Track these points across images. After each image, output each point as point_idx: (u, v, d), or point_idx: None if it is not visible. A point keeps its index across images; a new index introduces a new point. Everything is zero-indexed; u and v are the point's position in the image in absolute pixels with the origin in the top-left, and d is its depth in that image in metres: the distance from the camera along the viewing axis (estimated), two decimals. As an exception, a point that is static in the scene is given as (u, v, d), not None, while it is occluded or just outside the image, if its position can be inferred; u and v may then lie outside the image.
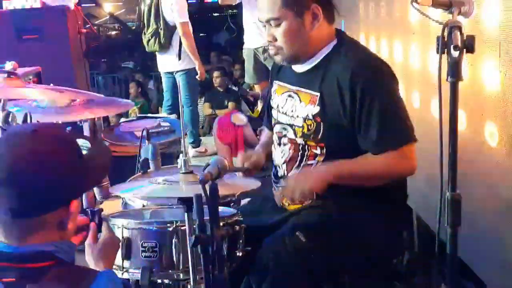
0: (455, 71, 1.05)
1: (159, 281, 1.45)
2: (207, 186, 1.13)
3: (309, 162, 1.51)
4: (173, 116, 2.43)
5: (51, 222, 1.01)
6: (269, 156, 1.67)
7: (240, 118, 3.51)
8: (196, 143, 4.15)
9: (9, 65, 1.49)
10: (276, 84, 1.64)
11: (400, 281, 1.59)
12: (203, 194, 1.17)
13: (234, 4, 3.98)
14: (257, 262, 1.44)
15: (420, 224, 2.26)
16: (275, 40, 1.46)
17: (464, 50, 1.04)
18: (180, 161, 1.39)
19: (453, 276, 1.25)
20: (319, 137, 1.49)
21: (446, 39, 1.04)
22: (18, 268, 0.99)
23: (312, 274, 1.41)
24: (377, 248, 1.50)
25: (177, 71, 3.90)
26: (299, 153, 1.52)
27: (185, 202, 1.31)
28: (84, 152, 1.06)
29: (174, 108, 3.97)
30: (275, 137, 1.63)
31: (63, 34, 3.11)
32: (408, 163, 1.46)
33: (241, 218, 1.44)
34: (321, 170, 1.48)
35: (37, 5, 3.08)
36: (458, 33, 1.03)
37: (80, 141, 1.08)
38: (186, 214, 1.33)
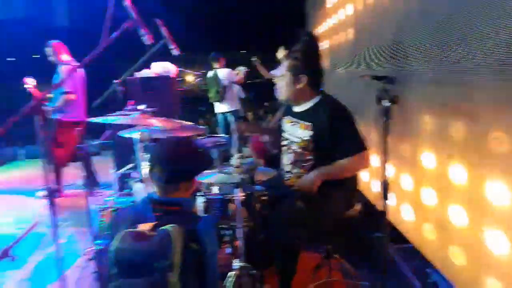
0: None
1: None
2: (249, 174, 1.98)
3: (303, 164, 2.22)
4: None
5: (183, 187, 1.56)
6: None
7: (263, 138, 4.91)
8: (240, 150, 5.69)
9: (141, 107, 2.27)
10: (286, 118, 2.39)
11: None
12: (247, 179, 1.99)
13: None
14: (273, 219, 2.10)
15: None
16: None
17: None
18: (234, 160, 2.30)
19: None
20: (310, 149, 2.16)
21: None
22: (162, 209, 1.51)
23: (305, 226, 2.03)
24: (340, 206, 2.18)
25: (227, 112, 6.02)
26: (298, 158, 2.25)
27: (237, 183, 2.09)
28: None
29: (226, 133, 5.75)
30: (284, 148, 2.33)
31: (168, 90, 4.49)
32: (366, 162, 2.09)
33: (266, 192, 2.19)
34: (316, 173, 2.07)
35: (153, 74, 4.50)
36: None
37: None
38: (237, 190, 2.05)
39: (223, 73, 6.17)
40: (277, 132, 2.50)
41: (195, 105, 8.46)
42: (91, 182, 4.35)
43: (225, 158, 2.71)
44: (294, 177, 2.26)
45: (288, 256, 2.13)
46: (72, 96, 4.34)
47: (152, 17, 2.51)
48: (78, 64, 4.36)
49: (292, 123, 2.33)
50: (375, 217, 2.08)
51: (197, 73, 8.43)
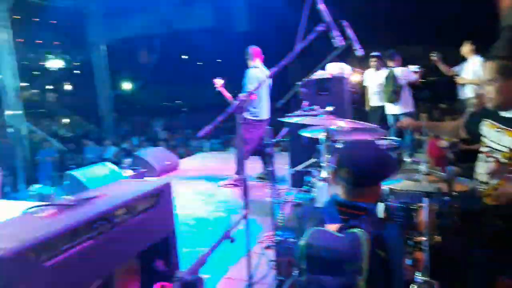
0: None
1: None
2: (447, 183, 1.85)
3: (506, 175, 2.03)
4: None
5: (370, 191, 1.55)
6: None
7: (443, 143, 4.47)
8: (411, 156, 5.34)
9: (329, 108, 2.37)
10: (487, 122, 2.21)
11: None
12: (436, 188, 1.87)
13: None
14: (467, 236, 1.98)
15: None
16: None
17: None
18: (422, 168, 2.18)
19: None
20: None
21: None
22: (348, 212, 1.53)
23: (506, 248, 1.92)
24: None
25: (400, 114, 5.71)
26: (500, 169, 2.06)
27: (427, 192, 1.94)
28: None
29: (398, 136, 5.56)
30: (482, 156, 2.17)
31: (341, 91, 4.62)
32: None
33: (458, 205, 1.98)
34: None
35: (327, 76, 4.66)
36: None
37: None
38: (426, 199, 1.91)
39: (399, 71, 5.90)
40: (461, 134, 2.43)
41: (360, 105, 8.34)
42: (270, 176, 4.67)
43: (398, 162, 2.61)
44: (490, 188, 2.05)
45: (482, 280, 1.96)
46: (253, 97, 4.75)
47: (336, 18, 2.52)
48: (266, 70, 4.89)
49: (498, 129, 2.16)
50: None
51: (362, 71, 8.25)
